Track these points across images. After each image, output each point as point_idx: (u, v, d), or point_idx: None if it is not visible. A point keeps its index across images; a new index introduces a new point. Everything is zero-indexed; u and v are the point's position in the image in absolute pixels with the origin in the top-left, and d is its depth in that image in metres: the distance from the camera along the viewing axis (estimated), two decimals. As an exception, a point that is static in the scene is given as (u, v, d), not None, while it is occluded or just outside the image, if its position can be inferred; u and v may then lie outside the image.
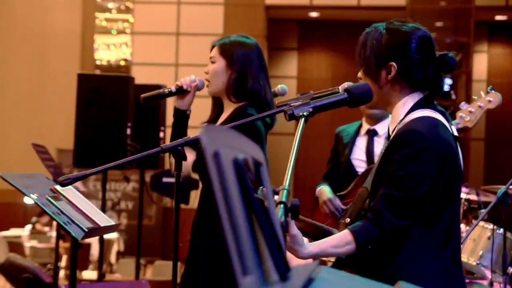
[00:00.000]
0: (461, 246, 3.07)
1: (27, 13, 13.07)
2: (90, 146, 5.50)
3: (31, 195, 2.87)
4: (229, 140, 1.07)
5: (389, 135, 2.42)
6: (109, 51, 13.20)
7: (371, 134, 4.40)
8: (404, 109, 2.37)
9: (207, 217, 3.19)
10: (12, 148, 12.58)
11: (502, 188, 4.06)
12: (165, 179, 6.38)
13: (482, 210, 4.88)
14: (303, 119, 2.16)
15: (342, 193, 4.18)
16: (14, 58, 13.03)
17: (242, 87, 3.25)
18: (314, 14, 14.11)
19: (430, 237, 2.28)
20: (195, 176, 3.50)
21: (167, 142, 3.20)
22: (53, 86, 12.89)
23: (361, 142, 4.43)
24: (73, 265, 3.07)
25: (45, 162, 5.15)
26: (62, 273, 8.12)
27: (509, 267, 4.23)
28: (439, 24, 12.34)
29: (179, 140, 2.61)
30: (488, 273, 4.47)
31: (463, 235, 4.26)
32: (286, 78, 14.40)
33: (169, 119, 3.39)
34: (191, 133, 3.23)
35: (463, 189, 5.00)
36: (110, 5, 13.22)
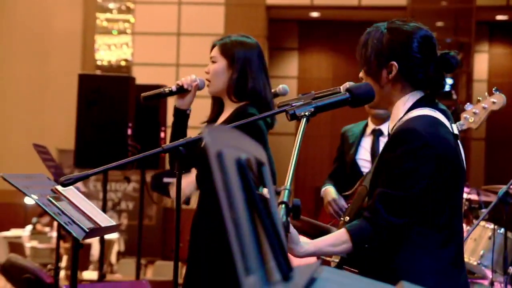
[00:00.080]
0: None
1: (28, 14, 13.07)
2: (90, 146, 5.50)
3: (32, 195, 2.86)
4: (232, 140, 1.07)
5: (389, 134, 2.42)
6: (110, 51, 13.21)
7: (377, 134, 4.39)
8: (404, 108, 2.37)
9: (207, 216, 3.19)
10: (13, 148, 12.58)
11: (503, 188, 4.06)
12: (165, 179, 6.37)
13: (483, 210, 4.88)
14: (304, 119, 2.16)
15: (347, 193, 4.17)
16: (15, 58, 13.03)
17: (242, 87, 3.25)
18: (314, 14, 14.11)
19: (430, 237, 2.28)
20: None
21: (168, 142, 3.20)
22: (53, 86, 12.90)
23: (366, 142, 4.42)
24: (74, 266, 3.07)
25: (46, 163, 5.15)
26: (62, 273, 8.12)
27: (510, 267, 4.23)
28: (439, 24, 12.35)
29: (181, 140, 2.61)
30: (489, 273, 4.47)
31: (464, 235, 4.25)
32: (287, 78, 14.41)
33: (170, 119, 3.39)
34: (191, 133, 3.23)
35: (464, 189, 4.99)
36: (111, 5, 13.22)
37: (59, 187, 2.91)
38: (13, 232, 10.87)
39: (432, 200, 2.26)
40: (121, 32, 13.23)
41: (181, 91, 3.26)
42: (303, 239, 2.28)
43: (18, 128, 12.84)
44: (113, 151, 5.41)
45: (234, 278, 0.99)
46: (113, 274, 9.68)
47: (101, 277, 5.81)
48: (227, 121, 3.21)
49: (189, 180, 3.38)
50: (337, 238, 2.27)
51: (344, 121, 4.81)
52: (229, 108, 3.29)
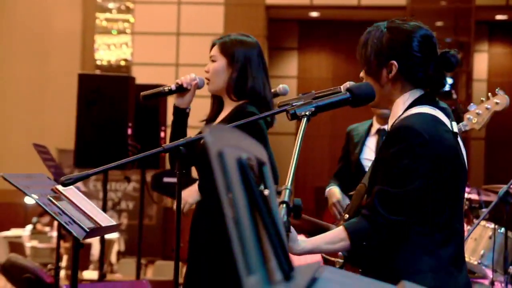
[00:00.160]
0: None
1: (28, 13, 13.07)
2: (90, 146, 5.50)
3: (32, 195, 2.86)
4: (233, 140, 1.06)
5: (387, 131, 2.42)
6: (109, 51, 13.21)
7: (382, 133, 4.38)
8: (403, 106, 2.37)
9: (206, 216, 3.19)
10: (13, 148, 12.58)
11: (503, 188, 4.06)
12: (166, 179, 6.36)
13: (483, 210, 4.88)
14: (305, 118, 2.16)
15: (352, 193, 4.17)
16: (15, 58, 13.03)
17: (242, 86, 3.25)
18: (314, 14, 14.11)
19: (430, 236, 2.27)
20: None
21: (168, 141, 3.20)
22: (53, 86, 12.90)
23: (371, 142, 4.41)
24: (74, 265, 3.07)
25: (46, 162, 5.14)
26: (63, 273, 8.12)
27: (510, 267, 4.22)
28: (439, 23, 12.34)
29: (181, 139, 2.61)
30: (489, 273, 4.47)
31: (464, 234, 4.25)
32: (287, 78, 14.41)
33: (170, 119, 3.39)
34: (190, 132, 3.23)
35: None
36: (111, 5, 13.22)
37: (60, 187, 2.91)
38: (13, 232, 10.87)
39: (432, 200, 2.25)
40: (121, 32, 13.23)
41: (181, 90, 3.26)
42: (300, 237, 2.28)
43: (18, 128, 12.84)
44: (113, 151, 5.40)
45: (235, 277, 0.99)
46: (113, 274, 9.68)
47: (101, 276, 5.80)
48: (226, 120, 3.21)
49: (192, 190, 3.38)
50: (335, 236, 2.27)
51: (344, 121, 4.81)
52: (229, 107, 3.29)
